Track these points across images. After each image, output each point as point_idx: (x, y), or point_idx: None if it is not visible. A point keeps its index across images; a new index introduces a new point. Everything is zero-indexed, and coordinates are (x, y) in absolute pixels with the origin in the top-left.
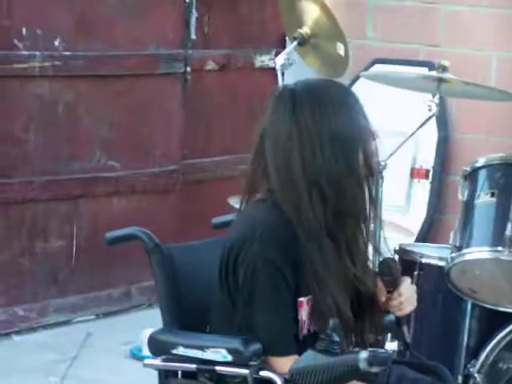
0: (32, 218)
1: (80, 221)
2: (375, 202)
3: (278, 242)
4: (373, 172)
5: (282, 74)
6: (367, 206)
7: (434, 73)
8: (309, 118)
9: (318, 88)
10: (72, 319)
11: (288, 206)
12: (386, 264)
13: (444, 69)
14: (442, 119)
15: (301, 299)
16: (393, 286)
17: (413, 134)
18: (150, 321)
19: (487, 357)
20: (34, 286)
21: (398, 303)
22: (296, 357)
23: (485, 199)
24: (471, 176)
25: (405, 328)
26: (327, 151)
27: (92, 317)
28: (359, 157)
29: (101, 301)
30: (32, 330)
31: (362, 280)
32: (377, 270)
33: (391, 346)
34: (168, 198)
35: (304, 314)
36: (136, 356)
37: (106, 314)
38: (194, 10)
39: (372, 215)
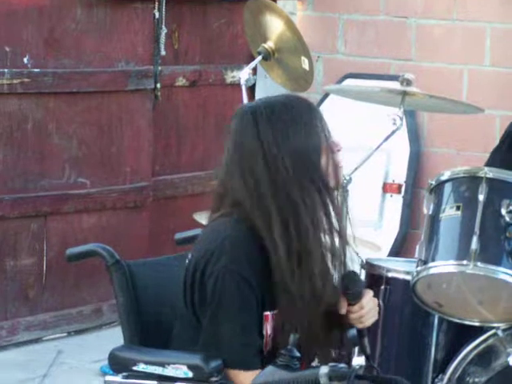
0: (2, 236)
1: (50, 238)
2: (339, 215)
3: (245, 255)
4: (336, 185)
5: (251, 89)
6: (330, 219)
7: (397, 86)
8: (270, 135)
9: (277, 104)
10: (42, 337)
11: (258, 221)
12: (348, 277)
13: (408, 82)
14: (414, 134)
15: (266, 313)
16: (355, 299)
17: (378, 148)
18: (121, 338)
19: (454, 371)
20: (4, 304)
21: (359, 316)
22: (259, 371)
23: (450, 213)
24: (436, 189)
25: (365, 340)
26: (290, 165)
27: (63, 334)
28: (323, 168)
29: (71, 318)
30: (2, 348)
31: (322, 295)
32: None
33: (358, 360)
34: (139, 215)
35: (269, 328)
36: (107, 374)
37: (77, 332)
38: (163, 26)
39: (335, 228)
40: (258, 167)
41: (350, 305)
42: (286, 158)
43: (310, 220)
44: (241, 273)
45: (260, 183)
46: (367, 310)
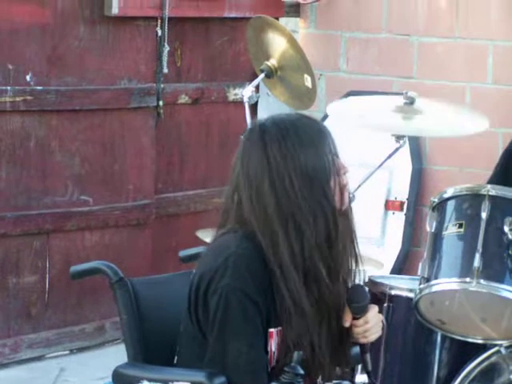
0: (4, 253)
1: (53, 256)
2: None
3: (250, 272)
4: (342, 207)
5: (253, 106)
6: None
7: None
8: (278, 156)
9: (287, 124)
10: (45, 354)
11: (265, 241)
12: (354, 290)
13: (412, 100)
14: (416, 151)
15: (271, 330)
16: (360, 313)
17: (380, 166)
18: (124, 356)
19: None
20: (7, 322)
21: (363, 331)
22: None
23: (453, 230)
24: (439, 207)
25: (367, 356)
26: (297, 187)
27: (65, 352)
28: (331, 191)
29: (74, 336)
30: (5, 365)
31: (327, 313)
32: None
33: (362, 378)
34: (141, 233)
35: (273, 345)
36: None
37: (80, 349)
38: (166, 44)
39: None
40: (265, 187)
41: (354, 318)
42: (294, 179)
43: (314, 242)
44: (244, 290)
45: (266, 203)
46: (372, 324)
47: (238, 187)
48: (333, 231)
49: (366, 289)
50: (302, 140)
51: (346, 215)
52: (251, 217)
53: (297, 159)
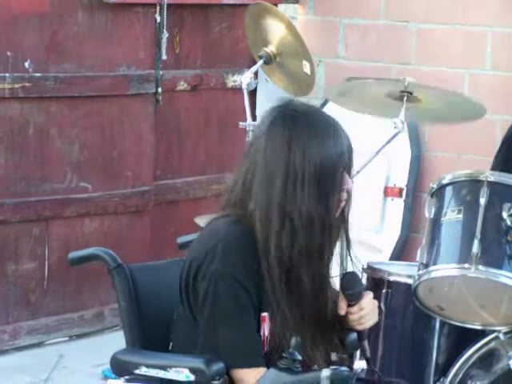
0: (3, 240)
1: (52, 242)
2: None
3: (239, 257)
4: (349, 202)
5: (252, 93)
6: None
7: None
8: (299, 155)
9: (317, 122)
10: (44, 341)
11: (260, 228)
12: (348, 278)
13: (410, 86)
14: (415, 137)
15: (263, 314)
16: (355, 300)
17: (378, 152)
18: (123, 342)
19: (456, 374)
20: (6, 308)
21: (358, 317)
22: (265, 369)
23: (451, 216)
24: (438, 193)
25: (365, 343)
26: (306, 190)
27: (65, 339)
28: (334, 201)
29: (73, 322)
30: (4, 352)
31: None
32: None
33: (360, 364)
34: (140, 219)
35: (266, 328)
36: (109, 377)
37: (79, 336)
38: (164, 31)
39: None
40: (278, 180)
41: (349, 306)
42: (306, 181)
43: (305, 247)
44: (233, 275)
45: (273, 195)
46: (367, 311)
47: (255, 167)
48: (327, 242)
49: (360, 275)
50: (325, 145)
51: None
52: (256, 200)
53: (314, 163)
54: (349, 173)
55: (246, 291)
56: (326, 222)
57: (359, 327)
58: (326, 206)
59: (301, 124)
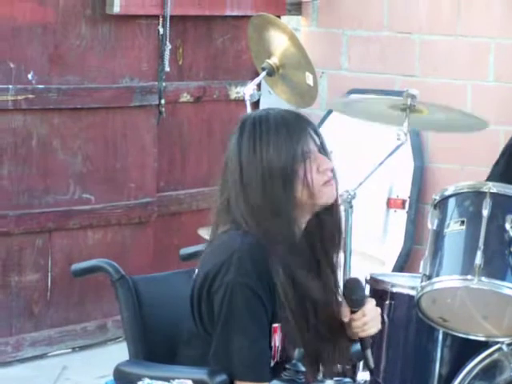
0: (6, 252)
1: (55, 254)
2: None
3: (254, 267)
4: (327, 202)
5: (255, 104)
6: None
7: (402, 101)
8: (249, 149)
9: (263, 117)
10: (47, 353)
11: (257, 233)
12: (350, 284)
13: (412, 97)
14: (418, 149)
15: (275, 325)
16: (357, 306)
17: (381, 164)
18: (126, 354)
19: None
20: (9, 320)
21: (362, 324)
22: None
23: (454, 228)
24: (440, 205)
25: (368, 352)
26: (260, 182)
27: (68, 350)
28: (293, 189)
29: (76, 334)
30: (7, 363)
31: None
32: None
33: (363, 375)
34: (143, 231)
35: (278, 339)
36: None
37: (82, 348)
38: (168, 42)
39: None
40: (237, 180)
41: (352, 312)
42: (259, 173)
43: (287, 246)
44: (249, 285)
45: (244, 198)
46: (370, 317)
47: (224, 183)
48: (296, 230)
49: (363, 282)
50: (273, 133)
51: (332, 211)
52: (237, 212)
53: (264, 153)
54: (322, 152)
55: (261, 301)
56: (290, 212)
57: (362, 334)
58: (284, 193)
59: (249, 119)
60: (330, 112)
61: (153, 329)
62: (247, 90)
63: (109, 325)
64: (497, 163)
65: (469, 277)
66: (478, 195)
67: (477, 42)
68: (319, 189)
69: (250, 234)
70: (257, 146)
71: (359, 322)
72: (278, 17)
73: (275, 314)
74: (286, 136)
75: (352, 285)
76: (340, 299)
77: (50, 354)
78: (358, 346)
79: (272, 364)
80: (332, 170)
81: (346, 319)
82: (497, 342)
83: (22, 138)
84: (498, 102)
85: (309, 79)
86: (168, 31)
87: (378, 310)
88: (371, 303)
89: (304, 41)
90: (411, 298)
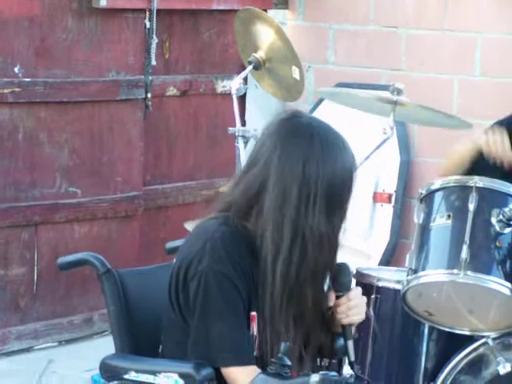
0: None
1: (41, 247)
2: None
3: (228, 255)
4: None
5: (241, 98)
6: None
7: (388, 95)
8: (315, 168)
9: (330, 139)
10: (33, 346)
11: (271, 244)
12: (339, 267)
13: (398, 91)
14: (404, 143)
15: (253, 313)
16: (343, 290)
17: (368, 158)
18: (112, 348)
19: (445, 379)
20: None
21: (346, 308)
22: (256, 369)
23: (440, 222)
24: (427, 199)
25: (350, 343)
26: (318, 207)
27: (54, 344)
28: (343, 221)
29: (62, 328)
30: None
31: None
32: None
33: (349, 370)
34: (130, 224)
35: (255, 328)
36: (98, 383)
37: (68, 341)
38: (154, 36)
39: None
40: (292, 193)
41: (337, 298)
42: (318, 197)
43: (313, 266)
44: (223, 272)
45: (286, 209)
46: (354, 303)
47: (267, 180)
48: (333, 259)
49: (350, 268)
50: (337, 163)
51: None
52: (267, 213)
53: (327, 181)
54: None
55: (235, 288)
56: (333, 240)
57: (345, 320)
58: (333, 224)
59: (316, 141)
60: (316, 105)
61: (139, 322)
62: (234, 84)
63: (95, 318)
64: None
65: (455, 271)
66: (464, 189)
67: (463, 37)
68: None
69: (228, 223)
70: (328, 169)
71: (343, 307)
72: (265, 10)
73: (252, 303)
74: (350, 171)
75: (340, 268)
76: (326, 287)
77: (36, 348)
78: (341, 341)
79: (253, 351)
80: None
81: (330, 303)
82: (482, 337)
83: (8, 131)
84: (484, 97)
85: (295, 73)
86: (154, 25)
87: (364, 298)
88: (357, 290)
89: (290, 35)
90: (397, 292)
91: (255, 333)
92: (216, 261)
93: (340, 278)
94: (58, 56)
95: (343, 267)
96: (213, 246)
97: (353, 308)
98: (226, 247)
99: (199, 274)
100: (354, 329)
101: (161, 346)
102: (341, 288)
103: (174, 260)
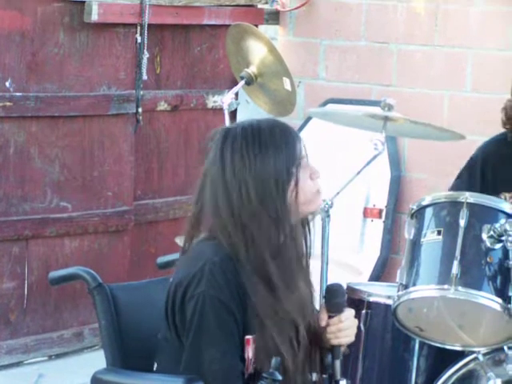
0: None
1: (31, 262)
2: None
3: (225, 280)
4: (315, 211)
5: (233, 113)
6: (305, 245)
7: (379, 111)
8: (234, 161)
9: (249, 128)
10: (24, 360)
11: (227, 245)
12: (332, 288)
13: (389, 107)
14: (395, 158)
15: (248, 337)
16: (336, 311)
17: (359, 173)
18: (102, 362)
19: None
20: None
21: (336, 329)
22: None
23: (431, 237)
24: (417, 214)
25: (337, 363)
26: (252, 195)
27: (44, 358)
28: (286, 199)
29: (53, 342)
30: None
31: (298, 320)
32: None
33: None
34: (120, 239)
35: (250, 352)
36: None
37: (58, 356)
38: (145, 51)
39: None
40: (219, 193)
41: (329, 317)
42: (249, 185)
43: (269, 254)
44: (220, 298)
45: (221, 210)
46: (345, 325)
47: (201, 193)
48: (288, 240)
49: (344, 289)
50: (263, 145)
51: (305, 221)
52: (212, 222)
53: (253, 165)
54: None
55: (231, 313)
56: (285, 222)
57: (335, 341)
58: (279, 205)
59: (234, 131)
60: (307, 121)
61: (130, 337)
62: (226, 100)
63: (85, 332)
64: (459, 177)
65: (445, 286)
66: (455, 205)
67: (454, 53)
68: (311, 197)
69: (222, 245)
70: (245, 158)
71: (334, 328)
72: (256, 26)
73: (247, 326)
74: (278, 143)
75: (334, 289)
76: (318, 307)
77: (26, 362)
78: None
79: (246, 375)
80: (316, 172)
81: (322, 323)
82: (473, 352)
83: None
84: (474, 113)
85: (286, 84)
86: (146, 40)
87: (356, 322)
88: (350, 312)
89: (281, 50)
90: (388, 307)
91: (250, 356)
92: (213, 285)
93: (333, 298)
94: (49, 70)
95: (336, 288)
96: (211, 270)
97: (343, 330)
98: (223, 272)
99: (196, 297)
100: (343, 348)
101: (155, 364)
102: (333, 309)
103: (171, 279)
